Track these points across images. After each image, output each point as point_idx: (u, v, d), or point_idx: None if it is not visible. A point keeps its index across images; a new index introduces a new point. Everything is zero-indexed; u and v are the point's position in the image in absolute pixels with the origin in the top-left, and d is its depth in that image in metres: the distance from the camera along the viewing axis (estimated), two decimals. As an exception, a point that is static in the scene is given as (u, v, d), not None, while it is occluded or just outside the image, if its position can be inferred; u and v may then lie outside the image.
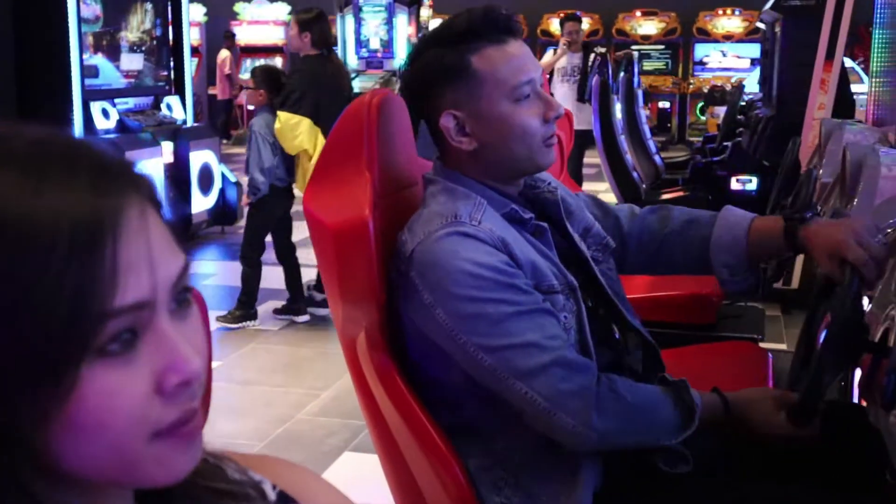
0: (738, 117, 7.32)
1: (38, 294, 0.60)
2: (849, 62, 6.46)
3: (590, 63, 7.73)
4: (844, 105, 5.57)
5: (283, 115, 5.01)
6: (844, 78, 5.61)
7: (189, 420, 0.67)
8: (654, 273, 1.98)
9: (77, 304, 0.61)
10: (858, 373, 2.00)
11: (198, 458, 0.68)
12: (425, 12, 11.65)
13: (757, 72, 10.75)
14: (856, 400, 2.41)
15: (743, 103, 8.10)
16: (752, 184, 6.65)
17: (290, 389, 4.25)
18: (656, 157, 7.43)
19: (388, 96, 1.73)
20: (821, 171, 3.03)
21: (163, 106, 7.67)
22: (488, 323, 1.52)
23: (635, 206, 1.94)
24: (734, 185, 6.59)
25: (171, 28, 7.75)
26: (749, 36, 14.12)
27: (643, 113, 7.61)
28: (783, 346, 4.76)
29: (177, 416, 0.66)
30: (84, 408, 0.62)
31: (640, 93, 7.53)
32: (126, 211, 0.64)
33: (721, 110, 12.02)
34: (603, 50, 8.19)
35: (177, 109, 7.80)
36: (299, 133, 5.00)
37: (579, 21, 8.35)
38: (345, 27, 11.09)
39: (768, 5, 6.16)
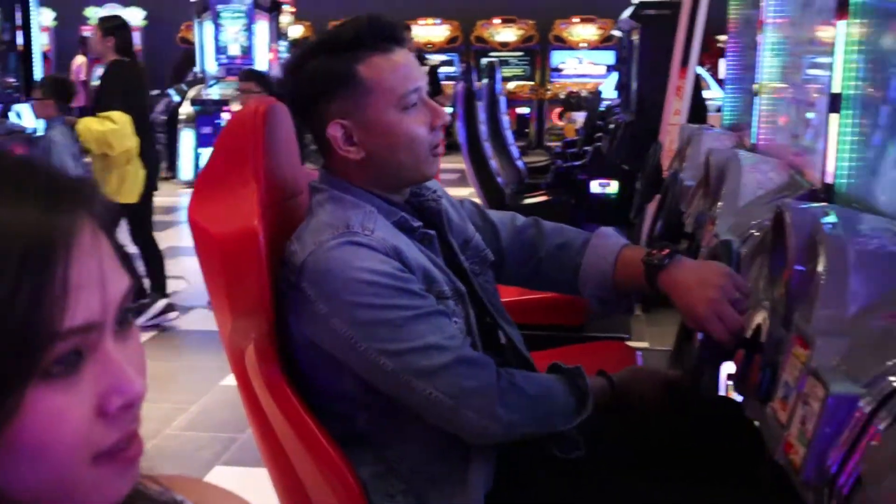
0: (597, 122, 7.52)
1: (21, 305, 0.59)
2: (699, 69, 6.71)
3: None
4: (698, 110, 5.80)
5: (117, 116, 4.90)
6: (697, 84, 5.83)
7: (130, 443, 0.66)
8: (533, 289, 2.03)
9: (26, 325, 0.59)
10: (725, 368, 2.10)
11: (134, 483, 0.67)
12: (286, 18, 11.54)
13: (612, 78, 11.06)
14: (723, 394, 2.51)
15: (601, 109, 8.33)
16: (612, 187, 6.85)
17: (157, 404, 4.14)
18: (519, 163, 7.56)
19: (274, 105, 1.71)
20: (683, 175, 3.14)
21: (11, 114, 7.35)
22: (389, 328, 1.52)
23: (517, 216, 1.97)
24: (594, 188, 6.77)
25: (19, 33, 7.44)
26: (604, 43, 14.50)
27: (506, 119, 7.73)
28: (646, 345, 4.91)
29: (118, 437, 0.65)
30: (26, 430, 0.61)
31: (502, 99, 7.65)
32: (79, 230, 0.63)
33: (578, 116, 12.33)
34: (436, 62, 7.84)
35: (27, 117, 7.48)
36: (129, 132, 4.94)
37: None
38: (203, 33, 10.87)
39: (626, 14, 6.35)
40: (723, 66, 9.21)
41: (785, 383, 1.46)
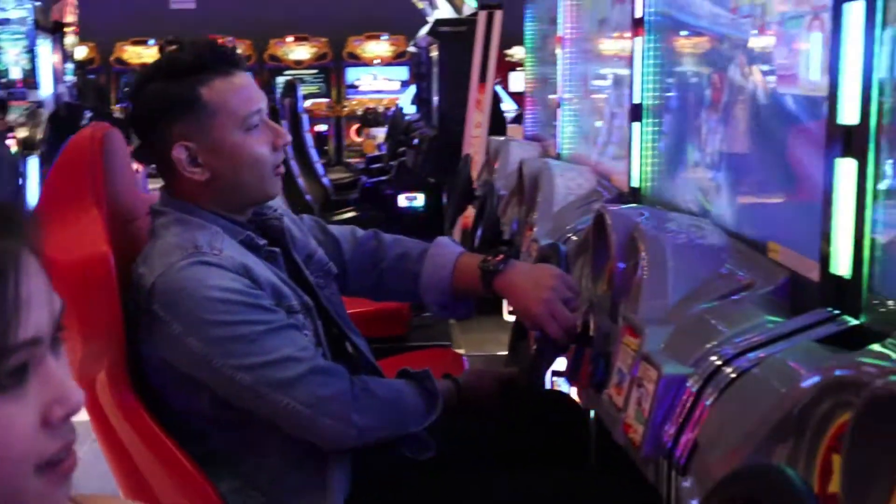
0: (401, 137, 7.67)
1: None
2: (493, 83, 6.97)
3: None
4: (497, 123, 6.03)
5: None
6: (495, 98, 6.07)
7: (68, 454, 0.69)
8: (376, 299, 2.11)
9: (20, 331, 0.64)
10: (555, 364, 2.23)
11: (68, 496, 0.69)
12: (70, 39, 11.10)
13: (408, 93, 11.26)
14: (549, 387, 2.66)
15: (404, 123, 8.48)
16: (419, 201, 7.00)
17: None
18: (324, 180, 7.61)
19: (110, 130, 1.71)
20: (487, 185, 3.29)
21: None
22: (244, 343, 1.56)
23: (357, 230, 2.04)
24: (402, 202, 6.90)
25: None
26: (397, 59, 14.71)
27: (309, 137, 7.76)
28: (462, 351, 5.07)
29: (59, 447, 0.69)
30: None
31: (304, 117, 7.68)
32: (22, 252, 0.67)
33: (377, 132, 12.47)
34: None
35: None
36: None
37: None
38: (-21, 56, 10.29)
39: (423, 31, 6.53)
40: (513, 80, 9.60)
41: (618, 370, 1.59)
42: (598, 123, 3.08)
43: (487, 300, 1.97)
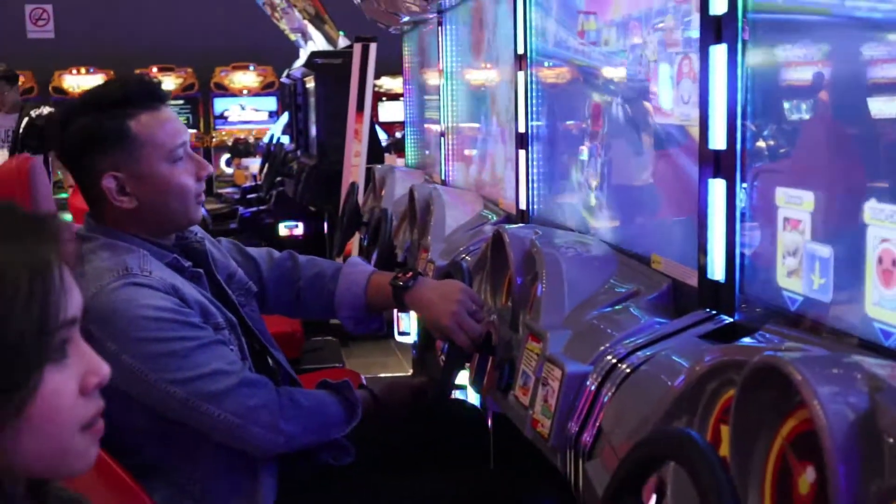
0: (279, 167, 7.73)
1: (18, 316, 0.78)
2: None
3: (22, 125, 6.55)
4: (375, 151, 6.19)
5: None
6: (373, 127, 6.23)
7: (98, 419, 0.86)
8: (293, 316, 2.23)
9: (42, 320, 0.79)
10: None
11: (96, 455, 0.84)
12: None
13: (279, 123, 11.30)
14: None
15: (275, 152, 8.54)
16: (299, 228, 7.10)
17: None
18: (202, 210, 7.59)
19: (33, 161, 1.79)
20: (381, 210, 3.43)
21: None
22: (177, 359, 1.67)
23: (273, 251, 2.16)
24: (282, 231, 6.99)
25: None
26: (265, 90, 14.70)
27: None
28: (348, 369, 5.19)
29: (94, 412, 0.86)
30: (40, 405, 0.80)
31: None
32: (60, 249, 0.83)
33: (249, 161, 12.45)
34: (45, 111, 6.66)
35: None
36: None
37: (13, 80, 7.12)
38: None
39: (298, 63, 6.64)
40: (382, 110, 9.78)
41: (523, 373, 1.76)
42: (481, 151, 3.28)
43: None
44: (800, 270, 1.33)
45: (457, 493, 1.95)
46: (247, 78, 15.00)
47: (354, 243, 4.75)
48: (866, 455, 0.90)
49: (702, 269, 1.58)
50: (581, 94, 2.25)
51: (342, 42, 6.46)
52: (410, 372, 4.51)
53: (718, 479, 0.91)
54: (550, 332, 1.71)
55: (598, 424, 1.49)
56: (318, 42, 6.85)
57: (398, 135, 8.29)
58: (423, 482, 1.97)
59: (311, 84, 6.41)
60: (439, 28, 3.67)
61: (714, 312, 1.55)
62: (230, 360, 1.75)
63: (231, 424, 1.71)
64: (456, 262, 2.17)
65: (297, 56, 9.88)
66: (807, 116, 1.37)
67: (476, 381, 2.05)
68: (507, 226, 2.18)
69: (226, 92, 14.97)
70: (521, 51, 2.58)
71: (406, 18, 4.01)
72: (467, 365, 2.02)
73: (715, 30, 1.51)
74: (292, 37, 7.68)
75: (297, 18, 6.68)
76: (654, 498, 1.12)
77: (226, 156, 14.51)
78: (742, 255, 1.50)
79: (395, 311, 3.11)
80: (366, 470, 1.95)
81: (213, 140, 14.89)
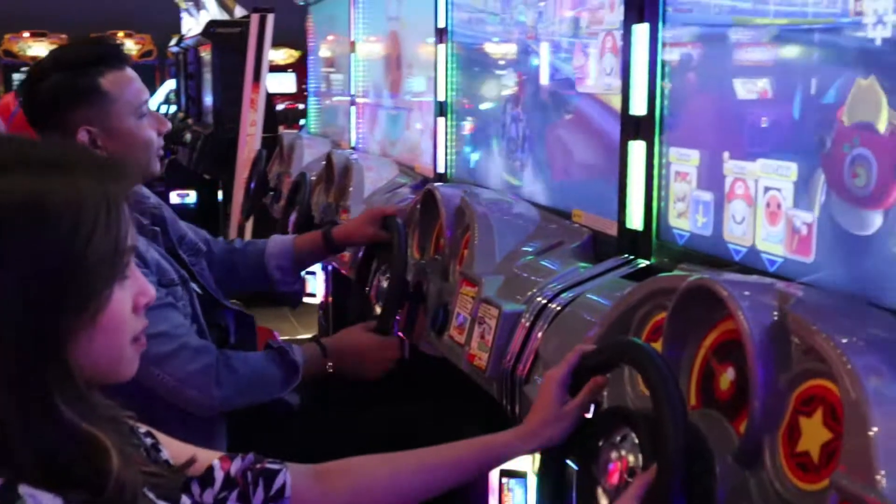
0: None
1: (98, 239, 0.92)
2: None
3: None
4: (271, 120, 6.27)
5: None
6: (269, 97, 6.30)
7: (142, 335, 1.01)
8: (232, 286, 2.34)
9: (117, 242, 0.94)
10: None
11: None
12: None
13: (161, 91, 11.16)
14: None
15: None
16: (191, 197, 7.12)
17: None
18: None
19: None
20: (299, 175, 3.56)
21: None
22: None
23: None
24: (174, 199, 7.00)
25: None
26: (143, 58, 14.43)
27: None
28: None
29: (141, 327, 1.00)
30: (108, 316, 0.94)
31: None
32: (126, 185, 0.97)
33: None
34: None
35: None
36: None
37: None
38: None
39: (192, 31, 6.63)
40: (274, 81, 9.78)
41: (458, 315, 1.95)
42: (388, 119, 3.45)
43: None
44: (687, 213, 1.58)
45: (392, 428, 2.13)
46: (126, 45, 14.70)
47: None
48: (778, 353, 1.13)
49: (621, 220, 1.81)
50: (501, 66, 2.45)
51: (238, 12, 6.50)
52: (310, 335, 4.65)
53: (663, 372, 1.13)
54: (485, 277, 1.91)
55: (532, 356, 1.70)
56: (212, 11, 6.85)
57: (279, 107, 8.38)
58: (363, 418, 2.15)
59: (205, 53, 6.43)
60: (351, 0, 3.82)
61: (632, 258, 1.78)
62: (176, 324, 1.86)
63: (169, 386, 1.84)
64: (390, 217, 2.33)
65: (177, 25, 9.84)
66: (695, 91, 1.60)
67: (407, 327, 2.23)
68: (437, 184, 2.36)
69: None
70: (441, 24, 2.76)
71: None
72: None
73: (638, 10, 1.73)
74: (183, 5, 7.64)
75: (192, -13, 6.67)
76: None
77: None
78: (658, 206, 1.73)
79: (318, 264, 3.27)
80: (315, 411, 2.12)
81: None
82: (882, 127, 1.21)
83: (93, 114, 1.85)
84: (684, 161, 1.66)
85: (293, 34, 6.29)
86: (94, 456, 0.90)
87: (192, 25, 8.08)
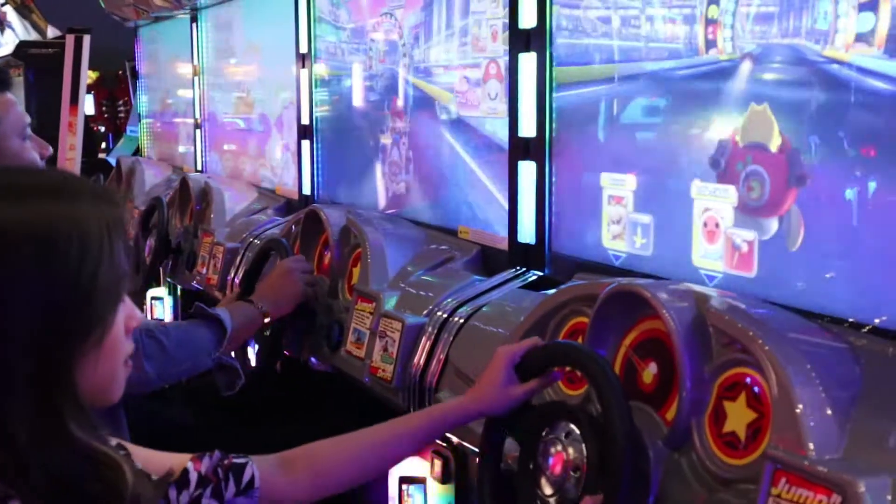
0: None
1: (104, 267, 0.94)
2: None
3: None
4: (90, 143, 6.10)
5: None
6: (87, 120, 6.13)
7: (131, 357, 1.03)
8: None
9: (119, 269, 0.96)
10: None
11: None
12: None
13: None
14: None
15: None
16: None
17: None
18: None
19: None
20: (154, 199, 3.53)
21: None
22: None
23: None
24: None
25: None
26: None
27: None
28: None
29: (131, 349, 1.02)
30: (110, 339, 0.97)
31: None
32: (123, 210, 1.00)
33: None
34: None
35: None
36: None
37: None
38: None
39: (5, 52, 6.36)
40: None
41: (355, 330, 2.02)
42: (238, 142, 3.47)
43: None
44: (623, 234, 1.72)
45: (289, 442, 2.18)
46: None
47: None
48: (701, 347, 1.27)
49: (512, 234, 1.93)
50: (376, 89, 2.54)
51: (51, 33, 6.29)
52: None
53: (604, 368, 1.26)
54: (383, 292, 1.99)
55: (440, 365, 1.79)
56: (18, 32, 6.59)
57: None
58: (251, 437, 2.18)
59: (15, 74, 6.18)
60: (193, 24, 3.81)
61: (525, 269, 1.91)
62: None
63: None
64: (274, 238, 2.38)
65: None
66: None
67: (294, 346, 2.28)
68: (319, 205, 2.43)
69: None
70: (304, 50, 2.83)
71: (153, 14, 4.09)
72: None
73: (525, 41, 1.87)
74: (-16, 24, 7.30)
75: (-4, 6, 6.40)
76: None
77: None
78: (550, 221, 1.87)
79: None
80: (199, 428, 2.14)
81: None
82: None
83: None
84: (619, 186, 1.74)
85: (91, 55, 6.10)
86: (106, 474, 0.93)
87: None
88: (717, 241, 1.52)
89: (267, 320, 2.13)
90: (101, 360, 0.96)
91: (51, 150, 2.00)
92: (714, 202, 1.52)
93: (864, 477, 1.02)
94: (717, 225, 1.51)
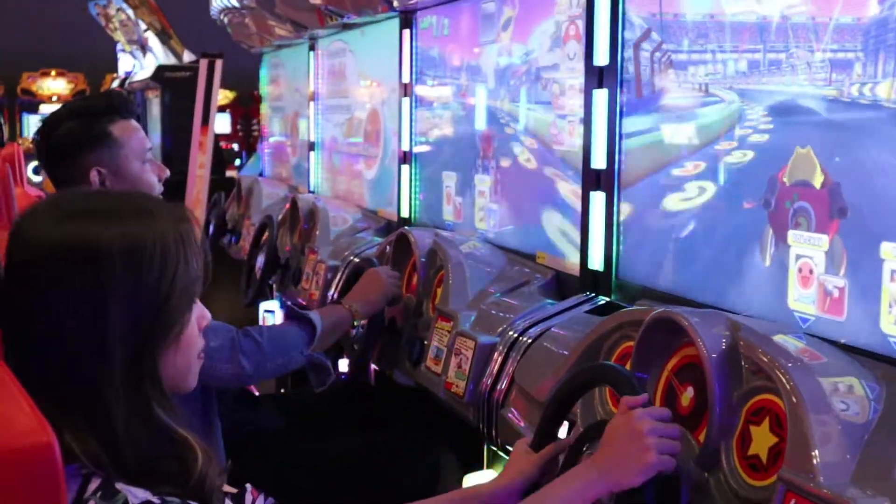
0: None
1: (181, 273, 1.10)
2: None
3: None
4: (218, 162, 6.43)
5: None
6: (217, 140, 6.46)
7: (202, 350, 1.18)
8: None
9: (194, 274, 1.12)
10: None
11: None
12: None
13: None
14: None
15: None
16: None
17: None
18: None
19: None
20: (266, 218, 3.74)
21: None
22: None
23: None
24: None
25: None
26: (76, 97, 14.40)
27: None
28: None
29: (203, 344, 1.18)
30: (186, 334, 1.12)
31: None
32: (192, 226, 1.15)
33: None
34: None
35: None
36: None
37: None
38: None
39: (142, 74, 6.76)
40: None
41: (434, 348, 2.15)
42: (349, 165, 3.65)
43: None
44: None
45: (365, 453, 2.32)
46: (56, 84, 14.67)
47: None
48: (731, 374, 1.35)
49: (584, 261, 2.03)
50: (471, 119, 2.67)
51: (186, 57, 6.66)
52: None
53: (633, 382, 1.34)
54: (460, 312, 2.11)
55: (508, 382, 1.90)
56: (158, 56, 7.00)
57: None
58: (336, 443, 2.33)
59: (152, 95, 6.57)
60: (311, 52, 4.02)
61: (594, 295, 2.00)
62: None
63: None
64: (368, 258, 2.53)
65: (112, 65, 9.90)
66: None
67: (382, 360, 2.43)
68: (408, 228, 2.57)
69: (34, 98, 14.59)
70: (405, 80, 2.98)
71: (276, 42, 4.33)
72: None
73: (598, 77, 1.97)
74: (127, 48, 7.77)
75: (139, 32, 6.81)
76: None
77: (33, 163, 14.14)
78: (617, 250, 1.96)
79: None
80: (296, 435, 2.29)
81: (21, 147, 14.47)
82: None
83: (104, 156, 2.04)
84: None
85: (228, 76, 6.42)
86: (183, 454, 1.09)
87: (129, 66, 8.19)
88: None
89: (356, 322, 2.28)
90: (180, 353, 1.12)
91: (167, 172, 2.19)
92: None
93: (864, 499, 1.09)
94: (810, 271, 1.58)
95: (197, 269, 1.14)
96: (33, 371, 1.04)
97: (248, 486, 1.35)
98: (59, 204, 1.13)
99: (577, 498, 1.29)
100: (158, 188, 2.15)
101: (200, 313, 1.18)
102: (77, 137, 2.03)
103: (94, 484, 1.01)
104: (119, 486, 1.03)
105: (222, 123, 12.19)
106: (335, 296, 2.74)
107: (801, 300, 1.52)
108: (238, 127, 12.15)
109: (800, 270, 1.52)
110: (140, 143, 2.10)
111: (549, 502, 1.31)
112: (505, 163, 2.46)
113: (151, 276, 1.08)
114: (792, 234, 1.53)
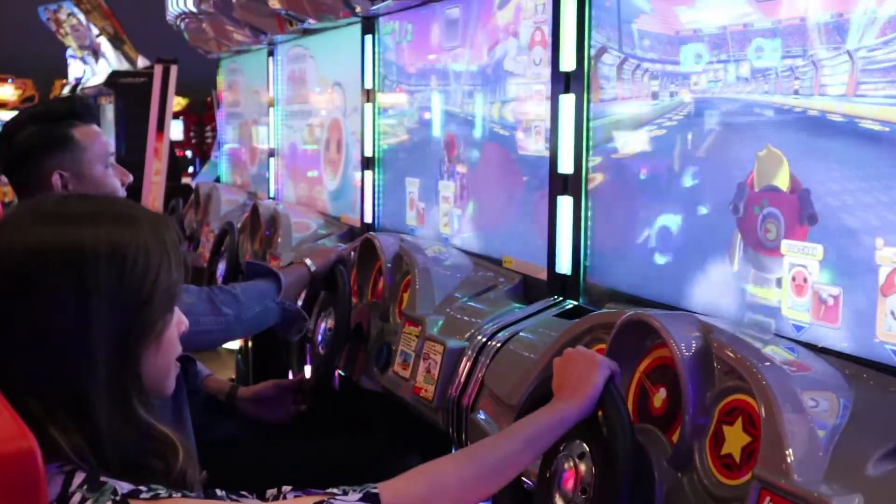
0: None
1: (162, 276, 1.12)
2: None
3: None
4: (175, 168, 6.37)
5: None
6: (172, 146, 6.40)
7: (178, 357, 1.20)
8: None
9: (174, 277, 1.14)
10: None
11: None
12: None
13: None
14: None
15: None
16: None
17: None
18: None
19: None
20: (226, 224, 3.71)
21: None
22: None
23: None
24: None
25: None
26: (24, 103, 14.20)
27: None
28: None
29: (180, 349, 1.19)
30: (167, 336, 1.14)
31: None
32: (173, 233, 1.16)
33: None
34: None
35: None
36: None
37: None
38: None
39: (94, 80, 6.67)
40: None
41: (402, 353, 2.15)
42: (308, 171, 3.64)
43: None
44: (639, 261, 1.82)
45: (329, 459, 2.31)
46: (4, 91, 14.45)
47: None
48: (704, 374, 1.37)
49: (551, 265, 2.04)
50: (435, 124, 2.68)
51: (141, 62, 6.59)
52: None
53: (612, 391, 1.36)
54: (427, 317, 2.12)
55: (477, 387, 1.90)
56: (111, 61, 6.92)
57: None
58: (302, 449, 2.32)
59: (106, 102, 6.49)
60: (270, 58, 4.00)
61: (562, 298, 2.02)
62: None
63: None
64: (333, 266, 2.52)
65: (62, 71, 9.77)
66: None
67: (348, 366, 2.42)
68: (374, 233, 2.57)
69: (-21, 105, 14.35)
70: (368, 85, 2.98)
71: (234, 48, 4.30)
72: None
73: (565, 83, 1.99)
74: (79, 53, 7.67)
75: (91, 37, 6.73)
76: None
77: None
78: (585, 254, 1.97)
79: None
80: (254, 441, 2.28)
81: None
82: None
83: (66, 160, 2.01)
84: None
85: (179, 82, 6.37)
86: (164, 451, 1.10)
87: (79, 73, 8.08)
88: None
89: (313, 269, 2.38)
90: (160, 354, 1.14)
91: (131, 177, 2.17)
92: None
93: (837, 496, 1.11)
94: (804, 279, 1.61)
95: (177, 271, 1.16)
96: (17, 369, 1.05)
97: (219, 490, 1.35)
98: (37, 209, 1.13)
99: (556, 425, 1.37)
100: (122, 193, 2.13)
101: (179, 319, 1.20)
102: (38, 141, 2.01)
103: (79, 478, 1.03)
104: (104, 478, 1.04)
105: (175, 130, 12.11)
106: (299, 304, 2.72)
107: (796, 308, 1.53)
108: (191, 134, 12.09)
109: (793, 279, 1.52)
110: (103, 148, 2.08)
111: (530, 429, 1.36)
112: (470, 168, 2.47)
113: (135, 276, 1.10)
114: (785, 244, 1.53)
